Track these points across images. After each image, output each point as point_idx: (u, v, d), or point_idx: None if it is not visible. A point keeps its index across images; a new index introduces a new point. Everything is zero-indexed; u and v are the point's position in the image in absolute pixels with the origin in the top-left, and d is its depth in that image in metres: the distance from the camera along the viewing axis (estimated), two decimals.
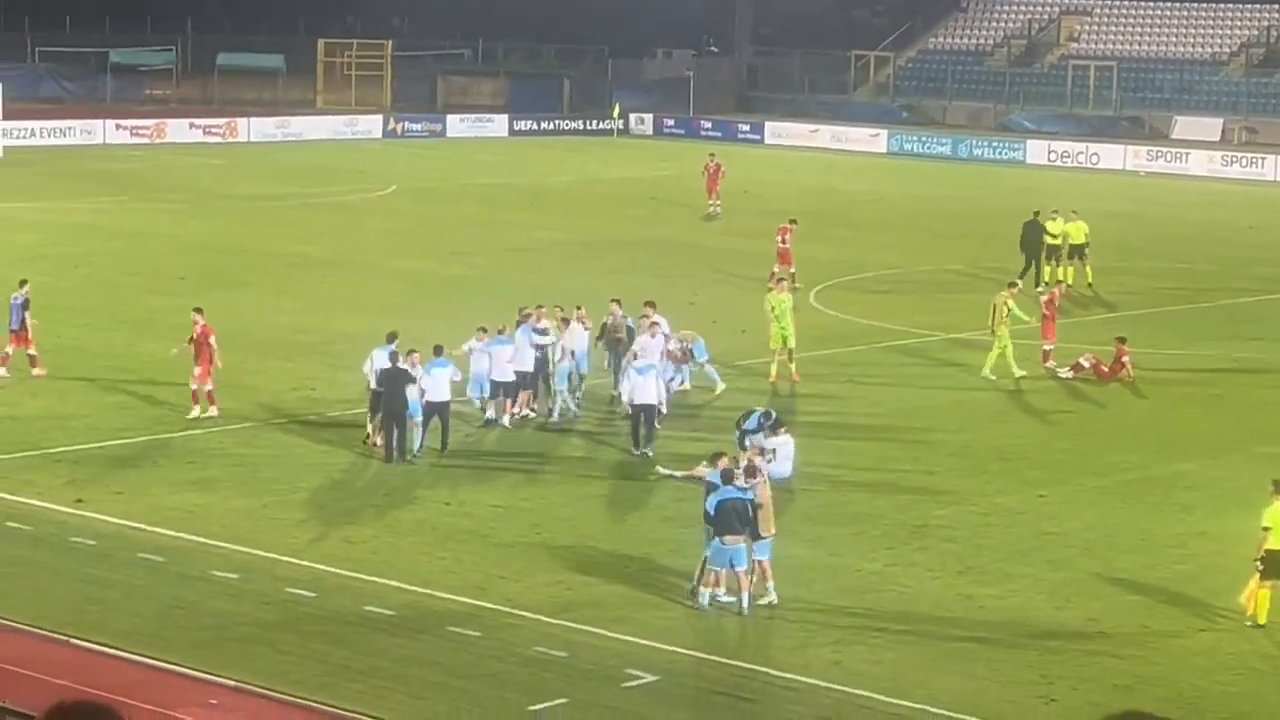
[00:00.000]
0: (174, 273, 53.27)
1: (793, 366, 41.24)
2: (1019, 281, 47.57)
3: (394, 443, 34.08)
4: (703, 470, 33.05)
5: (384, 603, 26.58)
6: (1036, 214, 54.74)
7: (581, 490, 32.52)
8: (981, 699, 23.65)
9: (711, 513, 26.62)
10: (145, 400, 38.23)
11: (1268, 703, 24.04)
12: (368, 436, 34.97)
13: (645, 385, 35.26)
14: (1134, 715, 5.15)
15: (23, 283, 40.44)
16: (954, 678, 24.41)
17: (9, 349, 39.71)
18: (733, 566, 26.54)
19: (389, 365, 34.41)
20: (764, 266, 57.19)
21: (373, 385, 34.85)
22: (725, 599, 26.66)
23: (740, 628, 26.26)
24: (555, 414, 37.22)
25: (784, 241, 53.73)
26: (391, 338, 35.46)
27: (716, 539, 26.52)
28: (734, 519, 26.48)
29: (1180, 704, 23.79)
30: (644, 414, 35.20)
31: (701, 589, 26.70)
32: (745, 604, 26.51)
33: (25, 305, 39.74)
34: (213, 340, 36.61)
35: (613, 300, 40.40)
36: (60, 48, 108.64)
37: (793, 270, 53.11)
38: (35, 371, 39.68)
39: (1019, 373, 41.54)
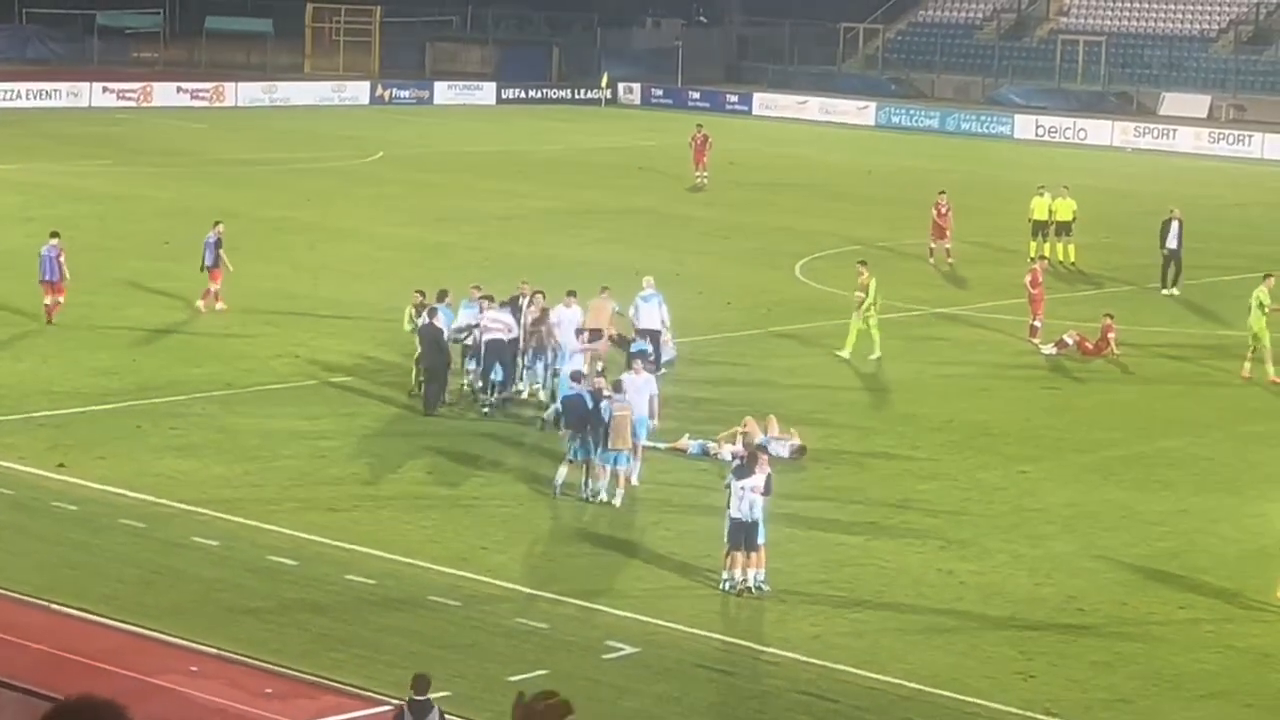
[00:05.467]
0: (159, 237, 53.19)
1: (1247, 364, 40.37)
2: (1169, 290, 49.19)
3: (430, 395, 35.23)
4: (685, 443, 33.28)
5: (365, 572, 26.59)
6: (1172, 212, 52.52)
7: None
8: (960, 674, 23.71)
9: (559, 409, 31.45)
10: (129, 365, 38.18)
11: (1244, 681, 24.10)
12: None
13: (649, 311, 37.60)
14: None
15: (216, 223, 43.92)
16: (933, 652, 24.46)
17: (212, 286, 43.13)
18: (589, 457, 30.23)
19: (426, 321, 35.41)
20: (749, 238, 57.24)
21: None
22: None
23: (720, 601, 26.29)
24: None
25: (940, 214, 53.50)
26: (441, 296, 36.41)
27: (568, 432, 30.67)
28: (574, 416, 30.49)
29: (1158, 681, 23.89)
30: (650, 338, 37.03)
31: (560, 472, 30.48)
32: (610, 496, 30.01)
33: (219, 244, 43.09)
34: None
35: (536, 291, 36.87)
36: (47, 9, 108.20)
37: (948, 245, 53.09)
38: (217, 306, 42.93)
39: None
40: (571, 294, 36.90)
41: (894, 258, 55.33)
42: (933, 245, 54.05)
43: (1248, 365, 40.67)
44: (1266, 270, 42.60)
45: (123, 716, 5.32)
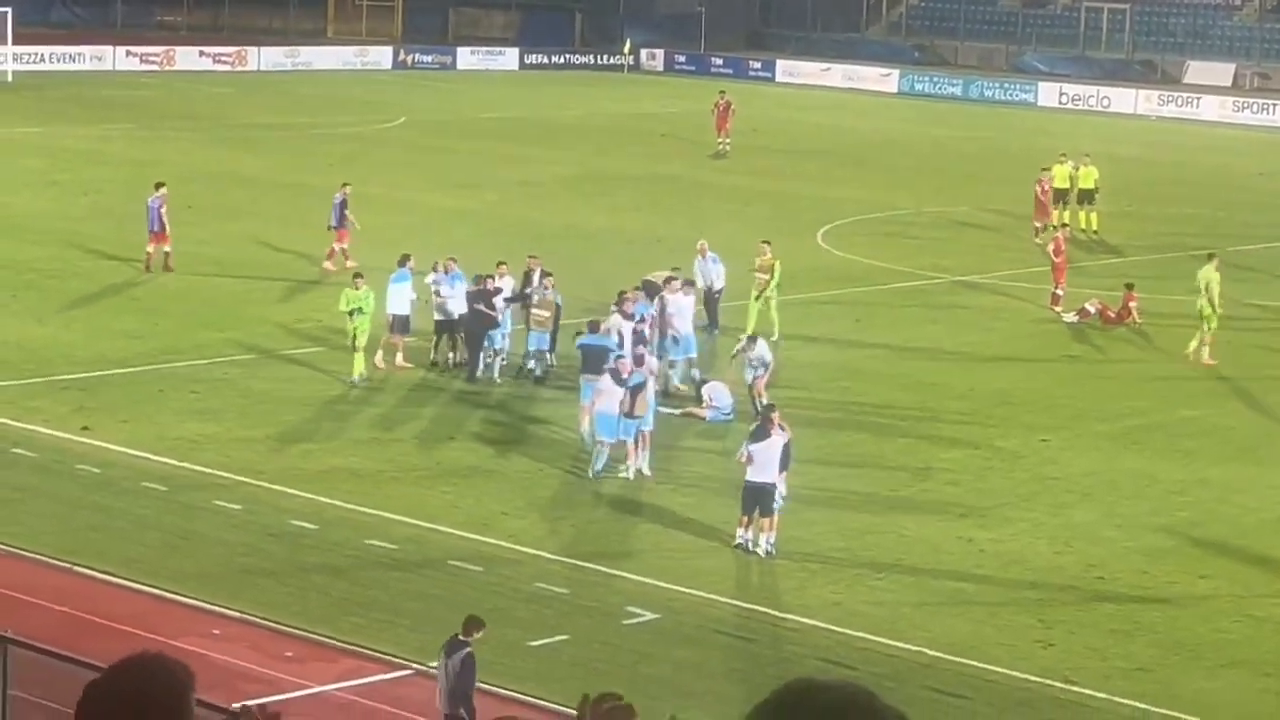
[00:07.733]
0: (181, 201, 53.15)
1: (1205, 350, 38.88)
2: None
3: (475, 361, 35.33)
4: (699, 411, 33.32)
5: (386, 536, 26.69)
6: None
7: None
8: (980, 642, 23.76)
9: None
10: (152, 329, 38.27)
11: (1264, 650, 24.13)
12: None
13: (718, 269, 39.52)
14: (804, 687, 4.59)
15: (344, 185, 45.25)
16: (953, 620, 24.51)
17: (337, 245, 44.08)
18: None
19: (472, 288, 35.35)
20: (772, 205, 57.12)
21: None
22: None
23: (740, 567, 26.35)
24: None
25: (1044, 192, 52.59)
26: (403, 261, 36.46)
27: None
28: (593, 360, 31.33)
29: (1177, 650, 23.92)
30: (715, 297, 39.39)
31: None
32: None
33: (345, 204, 44.14)
34: None
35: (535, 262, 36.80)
36: None
37: (1039, 225, 51.84)
38: (348, 264, 42.38)
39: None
40: (690, 284, 37.05)
41: (917, 225, 55.28)
42: (1037, 225, 52.40)
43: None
44: None
45: (175, 679, 5.05)
